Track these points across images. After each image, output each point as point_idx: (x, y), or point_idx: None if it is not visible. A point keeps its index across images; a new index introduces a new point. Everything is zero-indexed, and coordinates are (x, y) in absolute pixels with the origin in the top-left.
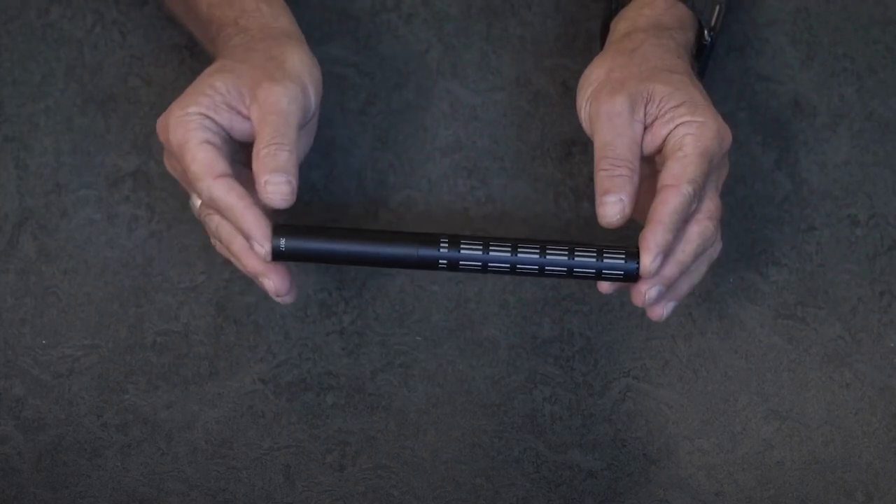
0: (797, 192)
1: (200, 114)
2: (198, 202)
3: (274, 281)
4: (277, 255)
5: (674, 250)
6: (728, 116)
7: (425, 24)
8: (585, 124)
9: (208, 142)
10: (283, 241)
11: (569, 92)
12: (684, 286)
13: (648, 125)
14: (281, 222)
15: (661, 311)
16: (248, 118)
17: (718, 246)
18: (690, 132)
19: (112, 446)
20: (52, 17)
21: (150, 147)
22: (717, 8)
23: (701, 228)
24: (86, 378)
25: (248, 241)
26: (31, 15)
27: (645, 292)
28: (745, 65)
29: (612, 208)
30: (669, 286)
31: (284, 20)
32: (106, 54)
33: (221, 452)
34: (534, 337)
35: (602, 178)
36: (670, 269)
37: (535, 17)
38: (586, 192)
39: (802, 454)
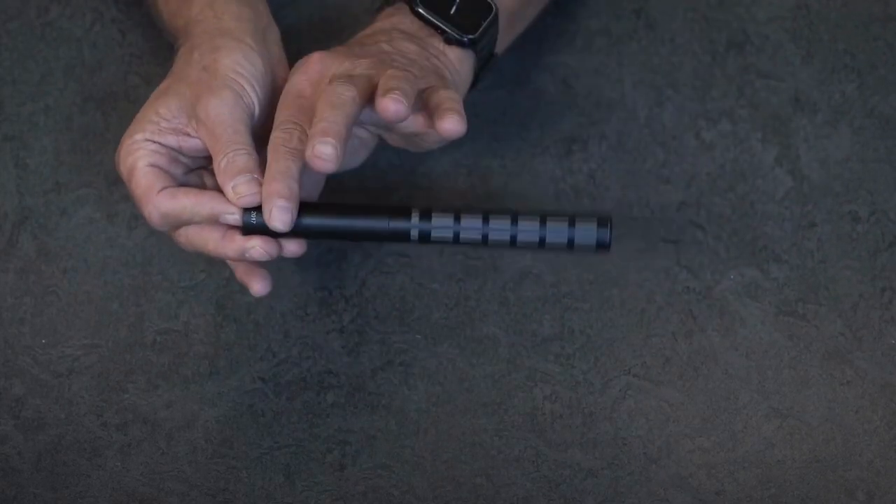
0: (798, 189)
1: (146, 139)
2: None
3: (260, 245)
4: (250, 230)
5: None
6: (729, 113)
7: None
8: None
9: (153, 164)
10: (253, 215)
11: (569, 89)
12: None
13: None
14: None
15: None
16: (195, 137)
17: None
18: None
19: (112, 446)
20: (52, 15)
21: None
22: None
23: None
24: (85, 377)
25: (218, 221)
26: (30, 14)
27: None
28: (745, 62)
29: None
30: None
31: (227, 19)
32: (105, 53)
33: (221, 452)
34: (534, 334)
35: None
36: None
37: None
38: (586, 189)
39: (803, 452)
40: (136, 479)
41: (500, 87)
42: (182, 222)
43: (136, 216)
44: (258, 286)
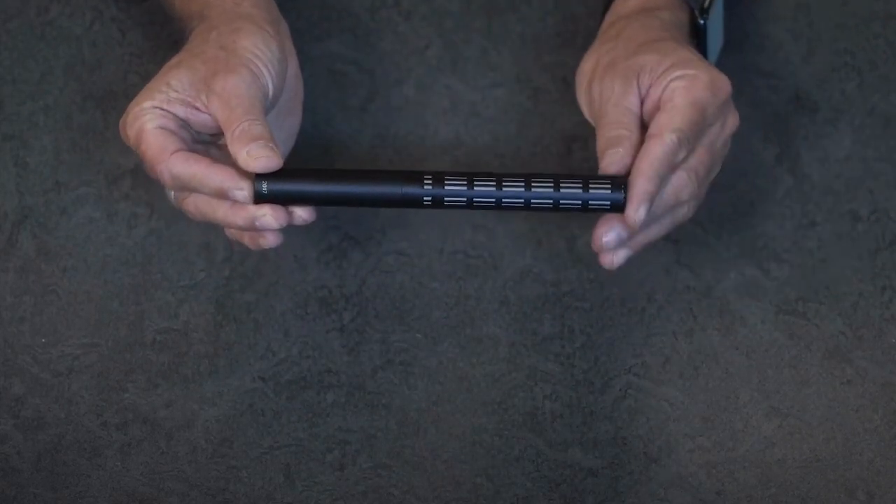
0: (798, 188)
1: (155, 107)
2: (171, 193)
3: (271, 213)
4: (261, 199)
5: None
6: None
7: (425, 20)
8: (588, 115)
9: (162, 127)
10: (265, 185)
11: (569, 88)
12: (641, 238)
13: (645, 95)
14: None
15: (611, 259)
16: (205, 112)
17: (692, 206)
18: (680, 84)
19: (112, 445)
20: (52, 14)
21: None
22: None
23: (676, 179)
24: (85, 377)
25: (226, 195)
26: (30, 13)
27: (602, 236)
28: (745, 60)
29: (611, 157)
30: (632, 234)
31: (245, 5)
32: (105, 52)
33: (221, 451)
34: (534, 334)
35: (600, 141)
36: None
37: (535, 13)
38: None
39: (803, 452)
40: (136, 479)
41: (500, 86)
42: (190, 188)
43: (136, 215)
44: (271, 237)
